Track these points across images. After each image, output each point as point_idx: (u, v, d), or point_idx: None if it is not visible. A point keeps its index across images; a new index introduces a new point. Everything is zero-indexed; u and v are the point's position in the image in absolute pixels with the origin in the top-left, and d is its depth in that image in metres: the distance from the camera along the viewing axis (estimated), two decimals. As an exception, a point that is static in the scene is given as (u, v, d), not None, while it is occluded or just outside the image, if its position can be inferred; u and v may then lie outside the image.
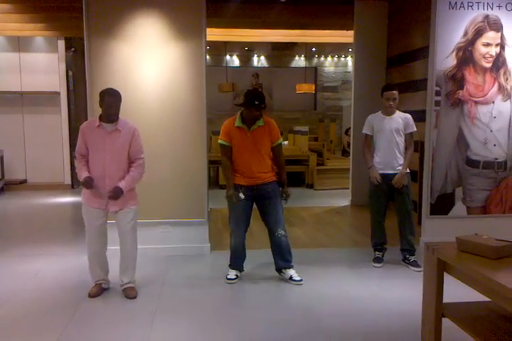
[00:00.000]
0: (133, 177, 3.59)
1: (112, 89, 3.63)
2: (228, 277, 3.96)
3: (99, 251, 3.69)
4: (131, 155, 3.60)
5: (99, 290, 3.69)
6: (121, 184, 3.52)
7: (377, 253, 4.42)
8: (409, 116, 4.28)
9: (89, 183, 3.48)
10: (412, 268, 4.23)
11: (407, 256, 4.31)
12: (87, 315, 3.33)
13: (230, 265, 4.06)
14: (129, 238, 3.66)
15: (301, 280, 3.90)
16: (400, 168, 4.22)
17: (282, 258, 3.97)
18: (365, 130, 4.36)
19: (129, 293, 3.64)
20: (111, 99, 3.52)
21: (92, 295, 3.62)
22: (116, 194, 3.49)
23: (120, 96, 3.58)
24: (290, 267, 3.99)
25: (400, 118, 4.24)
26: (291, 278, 3.93)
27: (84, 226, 3.65)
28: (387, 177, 4.23)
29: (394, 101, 4.19)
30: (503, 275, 2.13)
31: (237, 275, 4.00)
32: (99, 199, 3.57)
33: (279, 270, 4.02)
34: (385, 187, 4.25)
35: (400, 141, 4.23)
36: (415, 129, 4.28)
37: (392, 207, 4.38)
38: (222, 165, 4.02)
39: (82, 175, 3.53)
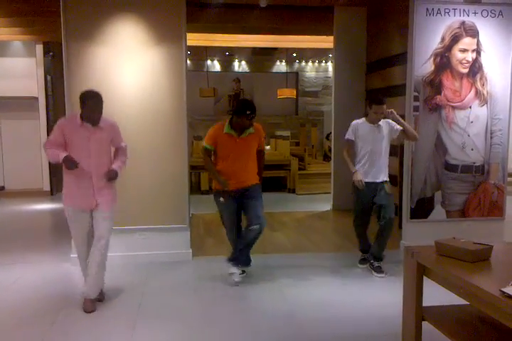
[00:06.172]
0: (122, 161, 3.60)
1: (93, 91, 3.45)
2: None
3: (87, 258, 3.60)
4: (114, 145, 3.60)
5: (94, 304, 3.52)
6: (115, 166, 3.49)
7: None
8: (389, 120, 4.21)
9: (72, 161, 3.25)
10: (374, 273, 4.23)
11: (372, 261, 4.31)
12: (66, 325, 3.26)
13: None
14: (104, 241, 3.51)
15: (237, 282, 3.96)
16: (384, 178, 4.20)
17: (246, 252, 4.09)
18: (349, 135, 4.27)
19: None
20: (95, 104, 3.38)
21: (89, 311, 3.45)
22: (113, 175, 3.46)
23: (102, 98, 3.45)
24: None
25: (384, 126, 4.19)
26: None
27: (71, 233, 3.54)
28: (371, 185, 4.18)
29: (381, 115, 4.15)
30: (480, 278, 2.16)
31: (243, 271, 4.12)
32: (87, 199, 3.44)
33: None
34: (369, 195, 4.20)
35: (386, 148, 4.21)
36: (400, 128, 4.19)
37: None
38: (206, 164, 4.06)
39: (61, 154, 3.28)
